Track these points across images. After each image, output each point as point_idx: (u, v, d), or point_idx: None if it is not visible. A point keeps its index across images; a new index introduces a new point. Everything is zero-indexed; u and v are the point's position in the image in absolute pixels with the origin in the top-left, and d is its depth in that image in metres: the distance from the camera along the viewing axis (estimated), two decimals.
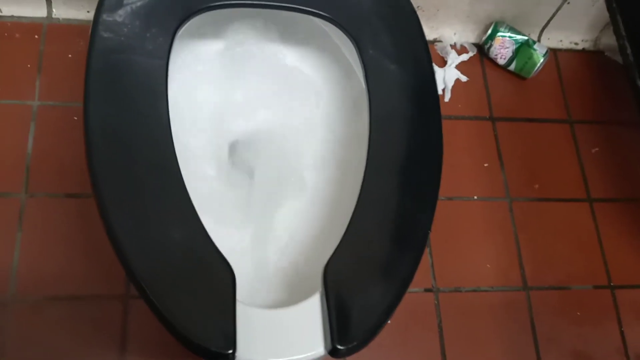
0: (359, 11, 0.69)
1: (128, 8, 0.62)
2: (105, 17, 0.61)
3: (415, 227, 0.60)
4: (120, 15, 0.62)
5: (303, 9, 0.67)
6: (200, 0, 0.64)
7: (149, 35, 0.61)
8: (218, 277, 0.54)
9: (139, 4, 0.63)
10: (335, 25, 0.68)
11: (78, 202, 0.93)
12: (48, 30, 1.04)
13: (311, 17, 0.68)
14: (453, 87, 1.14)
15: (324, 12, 0.67)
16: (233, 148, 0.77)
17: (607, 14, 1.17)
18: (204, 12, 0.64)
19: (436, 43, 1.18)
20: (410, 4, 0.71)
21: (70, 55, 1.03)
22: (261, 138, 0.79)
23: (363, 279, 0.57)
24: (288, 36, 0.77)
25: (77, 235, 0.92)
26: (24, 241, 0.90)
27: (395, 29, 0.70)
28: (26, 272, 0.89)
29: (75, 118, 0.98)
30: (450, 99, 1.13)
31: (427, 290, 0.99)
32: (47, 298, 0.88)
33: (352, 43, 0.67)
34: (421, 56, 0.69)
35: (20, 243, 0.90)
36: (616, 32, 0.71)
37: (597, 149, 1.16)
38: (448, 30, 1.18)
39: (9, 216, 0.91)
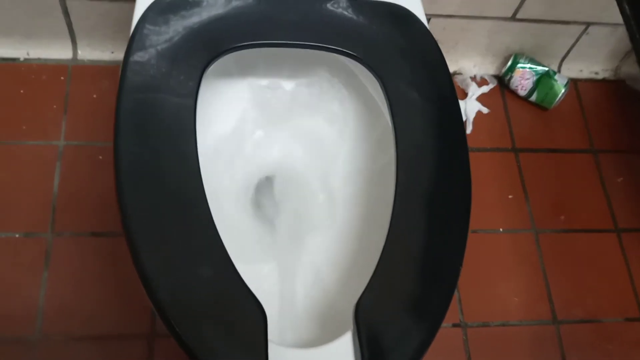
0: (382, 47, 0.70)
1: (156, 49, 0.63)
2: (134, 58, 0.62)
3: (446, 262, 0.59)
4: (149, 56, 0.63)
5: (328, 48, 0.68)
6: (227, 41, 0.65)
7: (177, 75, 0.62)
8: (249, 315, 0.54)
9: (166, 45, 0.64)
10: (360, 62, 0.68)
11: (103, 241, 0.94)
12: (73, 72, 1.06)
13: (336, 55, 0.69)
14: (474, 119, 1.14)
15: (349, 50, 0.68)
16: (258, 185, 0.78)
17: (627, 43, 1.18)
18: (230, 52, 0.65)
19: (456, 76, 1.18)
20: (432, 38, 0.72)
21: (95, 96, 1.05)
22: (286, 175, 0.79)
23: (395, 317, 0.56)
24: (312, 73, 0.78)
25: (102, 274, 0.92)
26: (50, 280, 0.90)
27: (418, 63, 0.70)
28: (52, 312, 0.89)
29: (100, 157, 0.99)
30: (472, 131, 1.13)
31: (455, 325, 0.97)
32: (73, 337, 0.88)
33: (377, 79, 0.67)
34: (446, 90, 0.69)
35: (46, 282, 0.90)
36: None
37: (621, 178, 1.15)
38: (467, 62, 1.19)
39: (35, 255, 0.92)
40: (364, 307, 0.55)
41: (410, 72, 0.68)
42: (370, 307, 0.55)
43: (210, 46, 0.65)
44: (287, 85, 0.78)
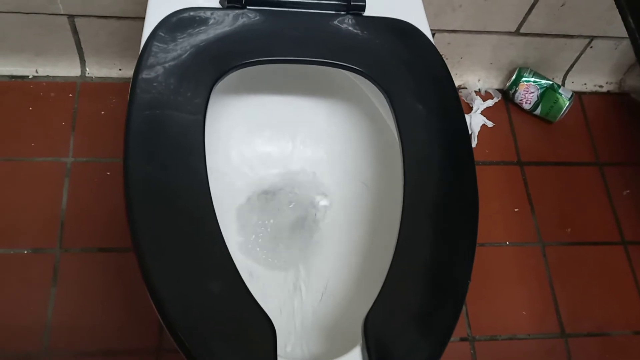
0: (387, 62, 0.70)
1: (165, 66, 0.64)
2: (143, 75, 0.63)
3: (455, 277, 0.59)
4: (157, 73, 0.63)
5: (334, 63, 0.68)
6: (234, 58, 0.66)
7: (185, 92, 0.63)
8: (258, 330, 0.54)
9: (175, 62, 0.65)
10: (365, 77, 0.69)
11: (111, 256, 0.94)
12: (82, 89, 1.07)
13: (341, 70, 0.70)
14: (479, 132, 1.14)
15: (355, 66, 0.68)
16: (266, 200, 0.78)
17: (631, 56, 1.19)
18: (239, 68, 0.66)
19: (461, 90, 1.19)
20: (437, 53, 0.72)
21: (103, 112, 1.05)
22: (292, 189, 0.79)
23: (404, 332, 0.56)
24: (318, 88, 0.79)
25: (110, 289, 0.92)
26: (58, 296, 0.91)
27: (424, 77, 0.70)
28: (60, 327, 0.89)
29: (108, 173, 1.00)
30: (477, 145, 1.13)
31: (463, 339, 0.97)
32: (80, 353, 0.88)
33: (383, 94, 0.68)
34: (452, 104, 0.69)
35: (54, 298, 0.90)
36: None
37: (628, 190, 1.15)
38: (472, 77, 1.19)
39: (43, 271, 0.92)
40: (372, 321, 0.55)
41: (416, 87, 0.69)
42: (379, 322, 0.55)
43: (218, 63, 0.66)
44: (294, 100, 0.79)
